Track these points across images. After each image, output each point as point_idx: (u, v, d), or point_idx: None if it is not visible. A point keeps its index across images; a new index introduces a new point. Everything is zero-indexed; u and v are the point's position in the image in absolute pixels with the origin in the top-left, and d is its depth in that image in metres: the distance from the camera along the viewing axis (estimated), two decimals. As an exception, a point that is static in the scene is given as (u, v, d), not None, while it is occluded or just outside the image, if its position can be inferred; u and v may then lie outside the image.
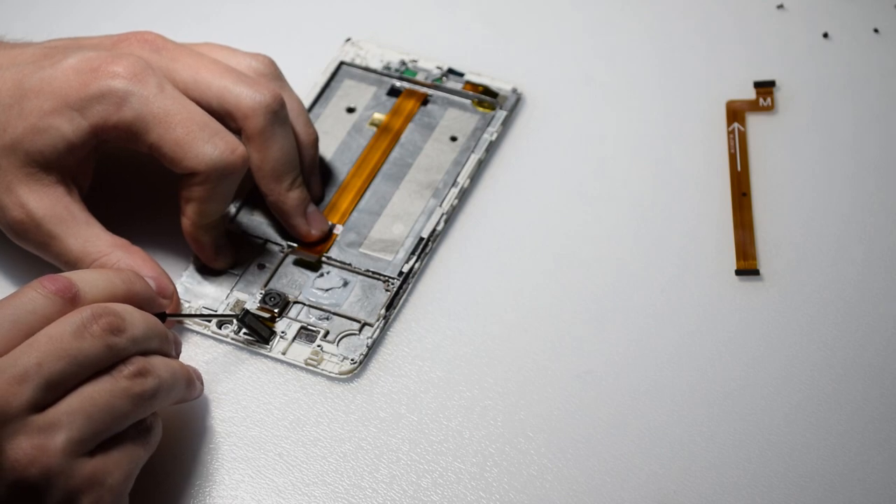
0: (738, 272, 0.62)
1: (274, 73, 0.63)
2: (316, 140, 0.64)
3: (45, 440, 0.50)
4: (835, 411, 0.58)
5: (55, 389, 0.51)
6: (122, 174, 0.65)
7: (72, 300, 0.53)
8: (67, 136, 0.58)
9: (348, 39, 0.71)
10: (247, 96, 0.60)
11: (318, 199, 0.64)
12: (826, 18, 0.71)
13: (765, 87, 0.68)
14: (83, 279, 0.54)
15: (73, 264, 0.59)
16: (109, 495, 0.51)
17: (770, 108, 0.68)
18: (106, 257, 0.59)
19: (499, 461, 0.57)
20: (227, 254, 0.62)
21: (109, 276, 0.55)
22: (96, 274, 0.55)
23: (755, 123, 0.67)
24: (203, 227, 0.61)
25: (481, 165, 0.66)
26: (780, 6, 0.72)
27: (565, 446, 0.58)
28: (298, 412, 0.59)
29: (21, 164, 0.58)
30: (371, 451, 0.58)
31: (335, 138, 0.67)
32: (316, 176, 0.64)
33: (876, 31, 0.70)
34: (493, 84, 0.69)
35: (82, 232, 0.59)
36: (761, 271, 0.62)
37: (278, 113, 0.60)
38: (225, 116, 0.60)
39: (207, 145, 0.58)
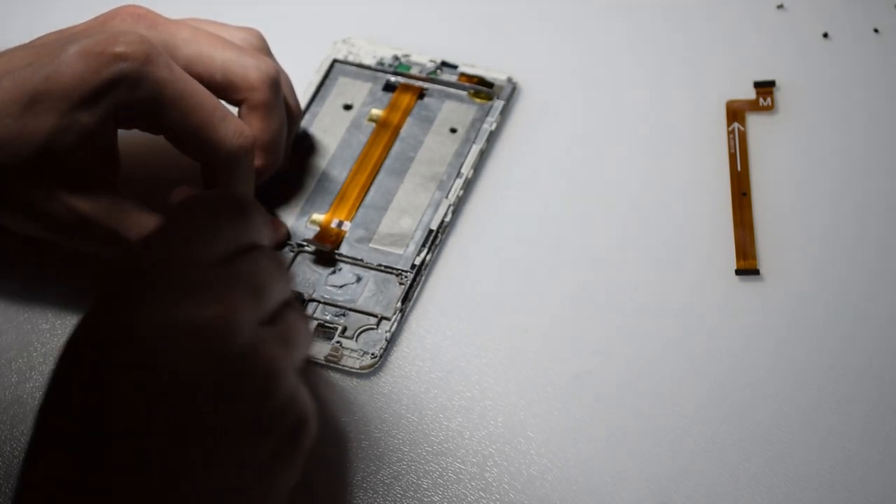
0: (738, 272, 0.62)
1: (266, 47, 0.63)
2: (301, 113, 0.65)
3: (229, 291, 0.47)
4: (835, 411, 0.58)
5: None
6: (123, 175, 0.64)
7: None
8: (91, 128, 0.57)
9: (344, 40, 0.71)
10: (254, 68, 0.60)
11: (285, 169, 0.64)
12: (826, 18, 0.71)
13: (765, 87, 0.68)
14: None
15: None
16: (298, 356, 0.50)
17: (770, 108, 0.68)
18: None
19: (499, 461, 0.57)
20: (278, 224, 0.63)
21: None
22: None
23: (755, 123, 0.67)
24: None
25: (482, 156, 0.66)
26: (780, 6, 0.72)
27: (565, 446, 0.57)
28: (299, 412, 0.58)
29: (53, 169, 0.57)
30: (371, 451, 0.57)
31: (335, 136, 0.67)
32: (290, 146, 0.64)
33: (876, 31, 0.70)
34: (488, 75, 0.69)
35: (135, 219, 0.58)
36: (761, 271, 0.62)
37: (280, 85, 0.61)
38: (227, 88, 0.60)
39: (220, 130, 0.58)
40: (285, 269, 0.52)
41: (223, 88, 0.60)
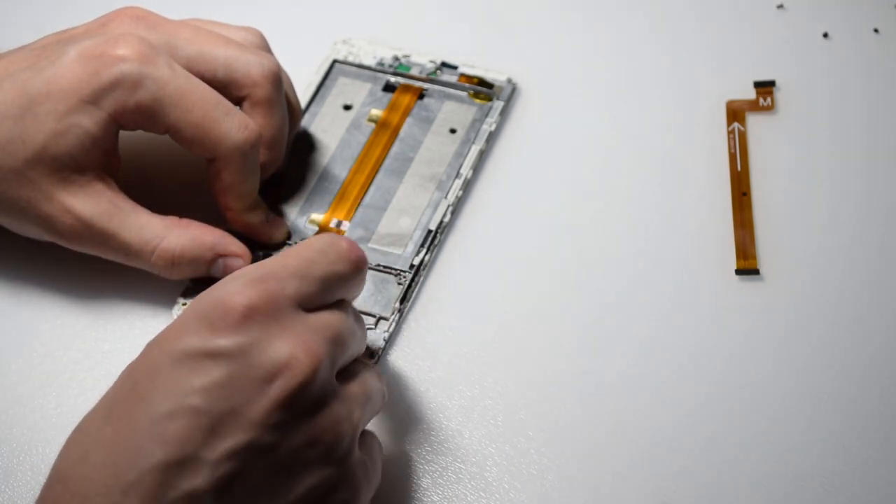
0: (738, 272, 0.62)
1: (266, 45, 0.63)
2: (301, 111, 0.65)
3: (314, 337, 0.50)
4: (835, 411, 0.58)
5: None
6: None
7: None
8: (90, 130, 0.57)
9: (344, 40, 0.71)
10: (256, 64, 0.60)
11: (284, 168, 0.64)
12: (826, 18, 0.71)
13: (765, 87, 0.68)
14: None
15: (134, 255, 0.59)
16: (370, 413, 0.53)
17: (770, 108, 0.68)
18: (165, 240, 0.59)
19: (499, 461, 0.57)
20: (280, 222, 0.63)
21: None
22: None
23: (755, 123, 0.67)
24: (248, 209, 0.61)
25: (482, 156, 0.66)
26: (780, 6, 0.72)
27: (565, 446, 0.57)
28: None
29: (52, 171, 0.57)
30: (371, 450, 0.57)
31: (334, 136, 0.67)
32: (289, 144, 0.65)
33: (876, 31, 0.70)
34: (488, 75, 0.69)
35: (133, 221, 0.59)
36: (761, 271, 0.62)
37: (281, 81, 0.61)
38: (230, 85, 0.60)
39: (224, 125, 0.58)
40: (363, 325, 0.54)
41: (225, 86, 0.60)
